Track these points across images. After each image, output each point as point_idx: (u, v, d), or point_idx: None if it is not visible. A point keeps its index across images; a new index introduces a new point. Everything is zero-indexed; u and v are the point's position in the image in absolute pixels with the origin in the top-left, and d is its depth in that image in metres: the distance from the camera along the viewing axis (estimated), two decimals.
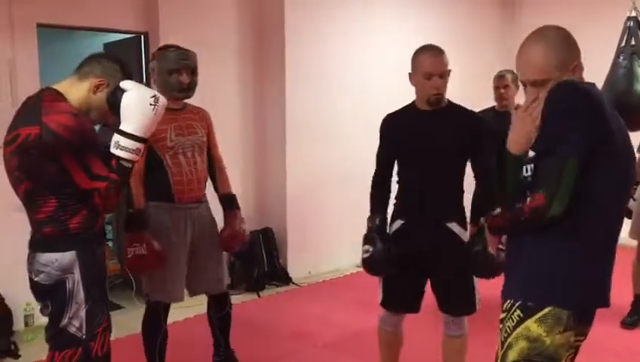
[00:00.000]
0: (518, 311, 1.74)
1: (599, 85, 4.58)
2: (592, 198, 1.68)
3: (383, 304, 2.69)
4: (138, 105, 1.99)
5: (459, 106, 2.62)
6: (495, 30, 6.58)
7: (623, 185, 1.79)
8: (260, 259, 4.86)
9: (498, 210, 1.86)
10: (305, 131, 5.00)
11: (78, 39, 6.30)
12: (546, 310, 1.70)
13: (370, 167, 5.59)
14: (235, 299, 4.52)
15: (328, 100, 5.13)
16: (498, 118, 4.08)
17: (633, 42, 4.43)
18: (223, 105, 4.77)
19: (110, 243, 5.11)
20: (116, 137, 2.00)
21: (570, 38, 1.78)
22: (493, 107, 4.26)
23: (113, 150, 1.99)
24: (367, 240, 2.58)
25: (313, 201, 5.11)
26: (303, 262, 5.06)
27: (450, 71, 2.52)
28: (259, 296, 4.64)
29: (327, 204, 5.24)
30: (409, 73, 2.57)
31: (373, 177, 2.71)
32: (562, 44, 1.75)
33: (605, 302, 1.78)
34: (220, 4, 4.73)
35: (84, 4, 4.02)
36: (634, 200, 3.95)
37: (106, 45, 5.01)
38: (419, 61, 2.51)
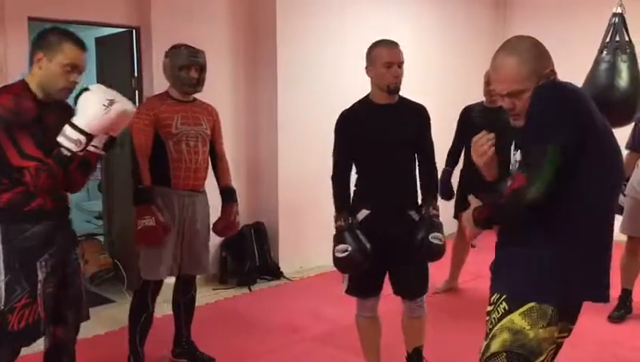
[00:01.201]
0: (504, 304, 1.78)
1: (581, 80, 4.66)
2: (578, 195, 1.71)
3: (349, 292, 2.75)
4: (91, 103, 2.18)
5: (409, 100, 2.77)
6: (486, 27, 6.63)
7: (610, 179, 1.80)
8: (251, 254, 4.88)
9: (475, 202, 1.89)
10: (297, 127, 5.02)
11: None
12: (531, 304, 1.73)
13: None
14: (227, 293, 4.56)
15: (321, 97, 5.15)
16: (485, 114, 4.15)
17: (617, 38, 4.48)
18: (215, 100, 4.70)
19: (102, 238, 5.11)
20: (64, 127, 2.18)
21: (540, 46, 1.82)
22: (482, 102, 4.31)
23: (58, 137, 2.17)
24: (342, 239, 2.61)
25: (305, 196, 5.14)
26: (294, 256, 5.09)
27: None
28: (250, 290, 4.67)
29: (319, 199, 5.25)
30: (365, 67, 2.70)
31: (333, 175, 2.75)
32: (533, 53, 1.79)
33: (593, 297, 1.80)
34: (213, 1, 4.73)
35: None
36: (624, 195, 4.02)
37: (98, 40, 5.00)
38: (377, 52, 2.65)
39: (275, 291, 4.68)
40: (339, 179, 2.73)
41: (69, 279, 2.40)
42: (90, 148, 2.23)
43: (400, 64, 2.62)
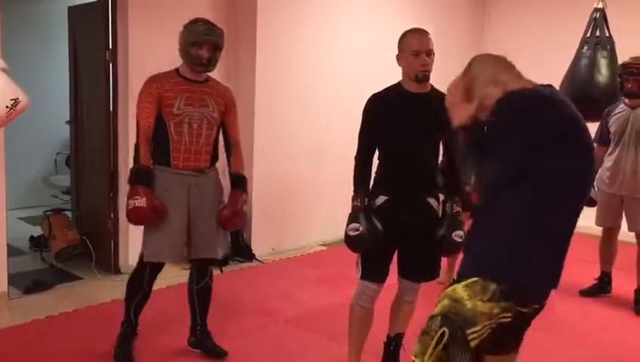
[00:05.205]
0: (455, 277, 1.99)
1: (561, 76, 4.65)
2: (537, 190, 1.83)
3: (364, 277, 2.74)
4: None
5: (441, 91, 2.75)
6: (469, 21, 6.61)
7: (577, 173, 1.90)
8: None
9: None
10: (274, 107, 4.96)
11: (43, 1, 6.09)
12: (475, 279, 1.88)
13: (340, 145, 5.59)
14: None
15: (299, 76, 5.09)
16: None
17: (598, 33, 4.51)
18: None
19: (69, 214, 4.99)
20: None
21: (486, 58, 2.04)
22: None
23: None
24: (355, 218, 2.62)
25: (279, 178, 5.10)
26: (266, 238, 5.05)
27: (434, 52, 2.67)
28: (222, 271, 4.56)
29: (293, 181, 5.23)
30: (396, 55, 2.69)
31: (357, 156, 2.74)
32: (479, 69, 2.00)
33: (542, 284, 1.94)
34: None
35: None
36: (594, 189, 4.09)
37: (71, 9, 4.83)
38: (407, 40, 2.65)
39: (247, 273, 4.64)
40: (361, 159, 2.72)
41: None
42: None
43: (428, 52, 2.62)
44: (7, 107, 2.04)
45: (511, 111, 1.87)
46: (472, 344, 1.83)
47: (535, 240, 1.88)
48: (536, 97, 1.90)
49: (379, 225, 2.60)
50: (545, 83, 1.97)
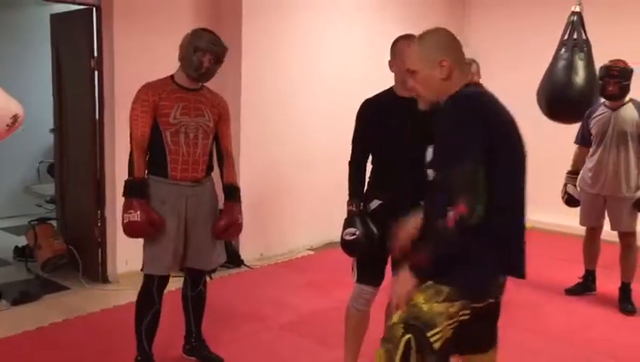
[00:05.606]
0: None
1: (539, 77, 4.72)
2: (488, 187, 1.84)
3: (361, 281, 2.76)
4: None
5: None
6: (448, 24, 6.67)
7: (513, 172, 1.96)
8: None
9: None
10: (261, 111, 4.97)
11: (24, 8, 6.03)
12: (428, 283, 1.92)
13: (326, 150, 5.62)
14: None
15: (284, 82, 5.11)
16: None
17: (575, 36, 4.62)
18: None
19: (54, 223, 4.94)
20: None
21: (445, 38, 2.04)
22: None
23: None
24: (351, 223, 2.65)
25: (266, 183, 5.11)
26: (254, 244, 5.06)
27: None
28: (210, 277, 4.55)
29: (280, 185, 5.26)
30: (388, 61, 2.72)
31: (351, 161, 2.77)
32: (434, 43, 2.01)
33: (506, 273, 1.98)
34: None
35: None
36: (577, 189, 4.18)
37: (53, 17, 4.79)
38: (398, 47, 2.67)
39: (236, 279, 4.65)
40: (355, 164, 2.75)
41: None
42: None
43: None
44: (7, 125, 2.07)
45: (460, 113, 1.90)
46: (436, 346, 1.86)
47: (483, 238, 1.88)
48: (481, 99, 1.95)
49: (374, 230, 2.63)
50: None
